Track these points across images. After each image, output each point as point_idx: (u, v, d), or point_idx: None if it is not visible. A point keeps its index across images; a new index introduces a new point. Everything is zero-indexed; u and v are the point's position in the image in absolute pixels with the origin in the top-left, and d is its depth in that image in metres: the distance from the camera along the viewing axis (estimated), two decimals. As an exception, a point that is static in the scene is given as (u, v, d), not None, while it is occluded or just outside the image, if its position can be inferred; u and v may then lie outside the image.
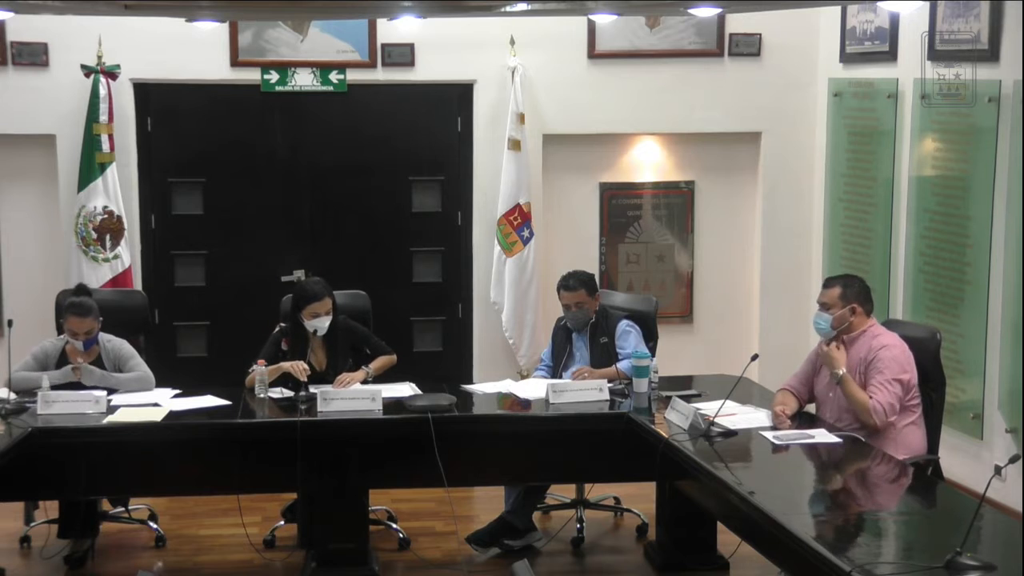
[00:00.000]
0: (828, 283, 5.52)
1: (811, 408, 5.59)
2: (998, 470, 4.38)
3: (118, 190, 7.45)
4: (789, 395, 5.55)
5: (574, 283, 6.19)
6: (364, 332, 6.18)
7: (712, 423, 5.22)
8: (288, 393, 5.80)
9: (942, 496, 4.64)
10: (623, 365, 6.00)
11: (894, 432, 5.20)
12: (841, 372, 5.24)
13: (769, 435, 5.14)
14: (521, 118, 7.71)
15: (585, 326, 6.23)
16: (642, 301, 6.59)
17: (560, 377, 6.22)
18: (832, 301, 5.40)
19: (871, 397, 5.17)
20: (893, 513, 4.47)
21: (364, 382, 5.92)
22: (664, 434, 5.27)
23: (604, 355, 6.11)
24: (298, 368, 5.80)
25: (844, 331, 5.37)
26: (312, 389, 5.74)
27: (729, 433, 5.21)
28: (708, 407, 5.49)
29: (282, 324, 6.12)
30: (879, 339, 5.30)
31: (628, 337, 6.15)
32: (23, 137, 7.61)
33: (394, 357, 6.12)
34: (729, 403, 5.36)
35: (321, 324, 5.97)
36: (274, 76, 7.72)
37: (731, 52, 8.01)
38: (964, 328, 6.63)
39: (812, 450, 5.03)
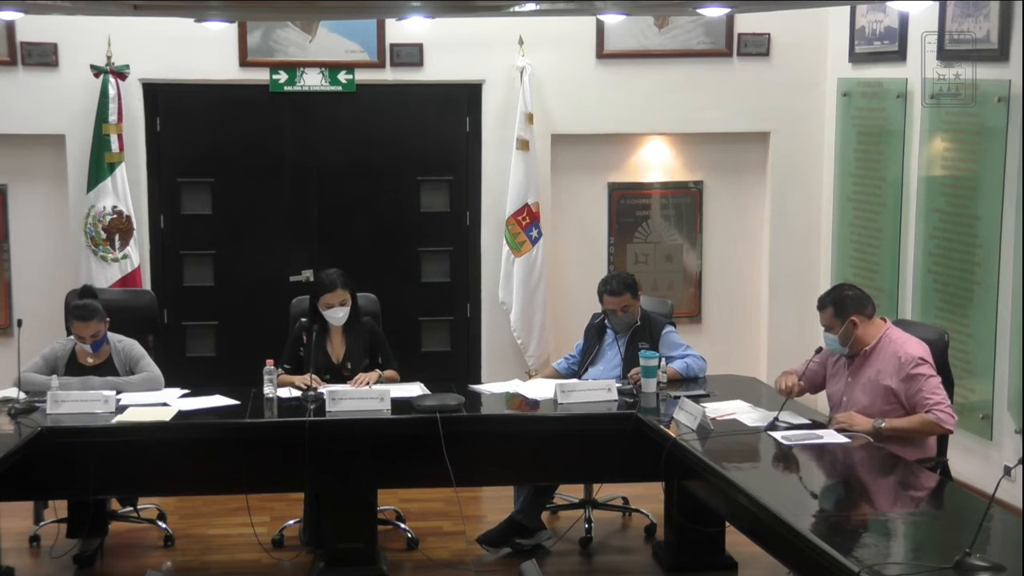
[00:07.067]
0: (819, 306, 5.42)
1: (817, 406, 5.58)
2: (1007, 470, 4.38)
3: (127, 190, 7.47)
4: (794, 377, 5.54)
5: (619, 287, 6.13)
6: (383, 340, 6.21)
7: (777, 417, 5.26)
8: (297, 393, 5.82)
9: (951, 496, 4.62)
10: (678, 365, 6.02)
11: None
12: (881, 425, 5.10)
13: (778, 435, 5.13)
14: (530, 118, 7.71)
15: (629, 329, 6.20)
16: (658, 304, 6.58)
17: (583, 376, 6.21)
18: (830, 323, 5.35)
19: (930, 410, 5.07)
20: (902, 514, 4.46)
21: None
22: (672, 434, 5.27)
23: (637, 360, 6.02)
24: (305, 382, 5.82)
25: (859, 344, 5.31)
26: (322, 388, 5.75)
27: (796, 426, 5.22)
28: (716, 407, 5.50)
29: (302, 319, 6.15)
30: (904, 347, 5.20)
31: (674, 339, 6.15)
32: (33, 137, 7.63)
33: (397, 376, 6.15)
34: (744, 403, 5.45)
35: (336, 315, 6.02)
36: (283, 76, 7.73)
37: (740, 52, 8.01)
38: (973, 328, 6.61)
39: (820, 450, 5.02)
